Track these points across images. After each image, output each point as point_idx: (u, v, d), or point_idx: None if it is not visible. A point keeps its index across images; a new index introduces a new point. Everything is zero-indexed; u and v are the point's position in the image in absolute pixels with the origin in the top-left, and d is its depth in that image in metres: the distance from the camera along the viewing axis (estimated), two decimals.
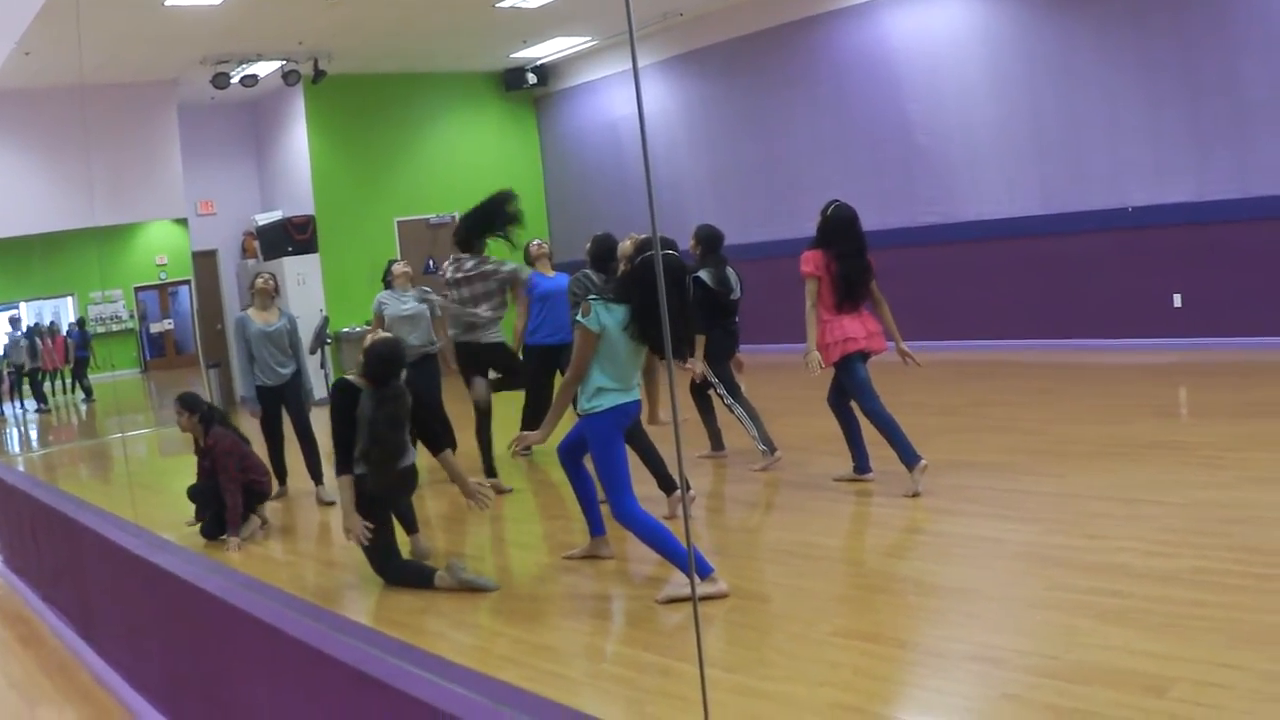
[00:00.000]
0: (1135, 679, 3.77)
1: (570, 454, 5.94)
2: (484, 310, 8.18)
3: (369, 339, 6.29)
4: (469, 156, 17.56)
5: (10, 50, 12.06)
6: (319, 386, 12.75)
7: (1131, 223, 11.41)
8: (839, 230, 6.84)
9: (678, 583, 5.38)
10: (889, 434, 6.72)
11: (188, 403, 7.60)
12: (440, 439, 6.43)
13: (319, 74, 15.10)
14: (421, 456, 6.40)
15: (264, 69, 14.82)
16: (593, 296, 5.46)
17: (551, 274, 8.80)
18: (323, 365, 14.53)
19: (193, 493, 7.69)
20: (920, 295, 12.51)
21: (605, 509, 5.70)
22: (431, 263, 16.15)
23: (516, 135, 18.31)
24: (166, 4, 11.32)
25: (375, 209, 16.80)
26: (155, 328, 16.61)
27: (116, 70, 13.81)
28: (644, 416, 5.99)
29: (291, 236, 15.88)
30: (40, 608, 7.12)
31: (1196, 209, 10.92)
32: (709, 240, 8.08)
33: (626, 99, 16.60)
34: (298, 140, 16.55)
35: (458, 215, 16.26)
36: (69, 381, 16.30)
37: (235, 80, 14.65)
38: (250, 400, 8.48)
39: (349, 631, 3.34)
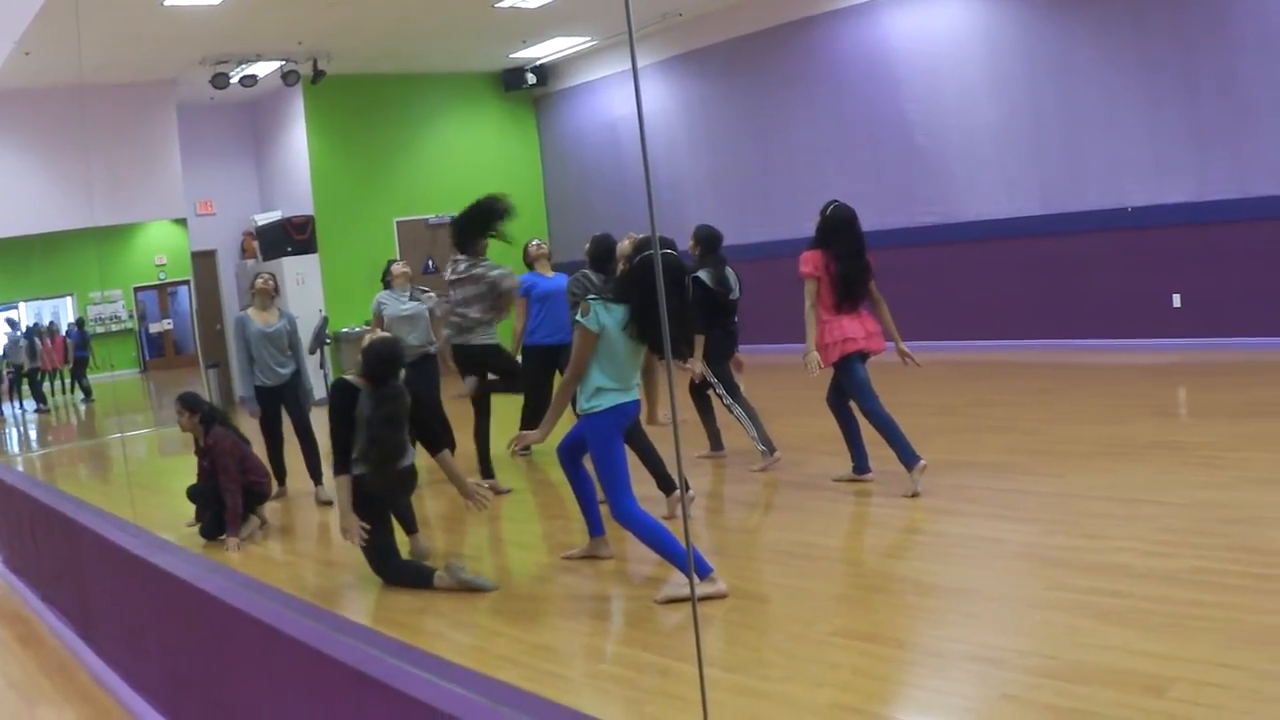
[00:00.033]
0: (1134, 679, 3.77)
1: (569, 454, 5.94)
2: (474, 312, 8.16)
3: (367, 339, 6.29)
4: (468, 157, 17.56)
5: (10, 50, 12.06)
6: (318, 386, 12.74)
7: (1131, 223, 11.41)
8: (838, 230, 6.84)
9: (677, 583, 5.38)
10: (888, 434, 6.72)
11: (188, 403, 7.60)
12: (439, 439, 6.42)
13: (318, 74, 15.11)
14: (420, 456, 6.39)
15: (263, 69, 14.82)
16: (592, 296, 5.46)
17: (550, 274, 8.80)
18: (322, 365, 14.51)
19: (192, 493, 7.69)
20: (919, 295, 12.52)
21: (604, 509, 5.70)
22: (430, 263, 16.16)
23: (516, 135, 18.31)
24: (166, 4, 11.32)
25: (374, 209, 16.80)
26: (154, 328, 16.61)
27: (116, 70, 13.82)
28: (643, 417, 5.99)
29: (291, 237, 15.88)
30: (39, 608, 7.12)
31: (1196, 209, 10.92)
32: (708, 240, 8.08)
33: (626, 99, 16.61)
34: (297, 140, 16.56)
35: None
36: (68, 381, 16.31)
37: (234, 80, 14.66)
38: (249, 400, 8.48)
39: (348, 631, 3.34)
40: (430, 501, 8.04)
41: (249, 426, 8.49)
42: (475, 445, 8.29)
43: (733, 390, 7.93)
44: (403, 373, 6.27)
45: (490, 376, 8.34)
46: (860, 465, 7.13)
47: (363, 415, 5.97)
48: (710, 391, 8.04)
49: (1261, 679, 3.68)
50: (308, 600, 4.92)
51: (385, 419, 5.94)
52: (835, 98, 13.95)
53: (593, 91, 17.25)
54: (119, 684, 5.40)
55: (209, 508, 7.52)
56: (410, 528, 6.57)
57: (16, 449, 15.04)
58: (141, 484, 10.71)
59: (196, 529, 7.62)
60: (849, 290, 6.82)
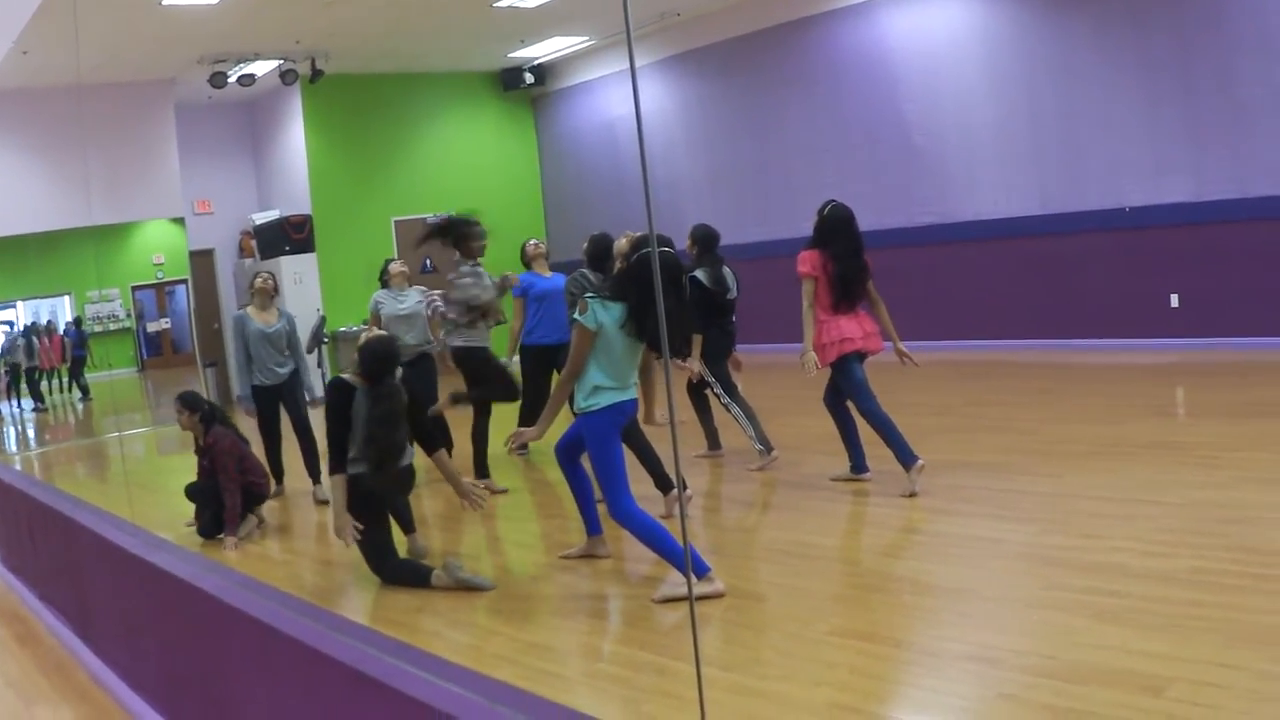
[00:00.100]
0: (1132, 679, 3.77)
1: (567, 453, 5.94)
2: (451, 313, 8.20)
3: (364, 337, 6.29)
4: (466, 156, 17.56)
5: (8, 49, 12.06)
6: (316, 385, 12.74)
7: (1129, 223, 11.42)
8: (836, 230, 6.84)
9: (674, 582, 5.38)
10: (885, 434, 6.72)
11: (188, 401, 7.60)
12: (435, 439, 6.42)
13: (316, 73, 15.10)
14: (418, 456, 6.39)
15: (261, 68, 14.81)
16: (589, 294, 5.46)
17: (548, 274, 8.80)
18: (320, 364, 14.50)
19: (191, 491, 7.68)
20: (917, 295, 12.52)
21: (602, 508, 5.70)
22: (429, 262, 16.15)
23: (514, 135, 18.30)
24: (164, 3, 11.31)
25: (372, 208, 16.80)
26: (152, 327, 16.61)
27: (114, 69, 13.81)
28: (640, 416, 5.99)
29: (289, 236, 15.88)
30: (37, 607, 7.12)
31: (1194, 209, 10.93)
32: (705, 240, 8.08)
33: (624, 99, 16.61)
34: (295, 140, 16.55)
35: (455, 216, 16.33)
36: (66, 380, 16.30)
37: (232, 80, 14.65)
38: (245, 399, 8.48)
39: (346, 630, 3.33)
40: (428, 501, 8.04)
41: (247, 426, 8.48)
42: (472, 445, 8.28)
43: (730, 390, 7.93)
44: (399, 371, 6.27)
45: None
46: (858, 465, 7.13)
47: (359, 414, 5.97)
48: (708, 391, 8.05)
49: (1260, 679, 3.68)
50: (305, 599, 4.92)
51: (382, 417, 5.94)
52: (833, 98, 13.95)
53: (591, 91, 17.25)
54: (117, 683, 5.40)
55: (208, 507, 7.51)
56: (408, 527, 6.57)
57: (14, 448, 15.04)
58: (139, 483, 10.71)
59: (195, 528, 7.62)
60: (846, 290, 6.82)
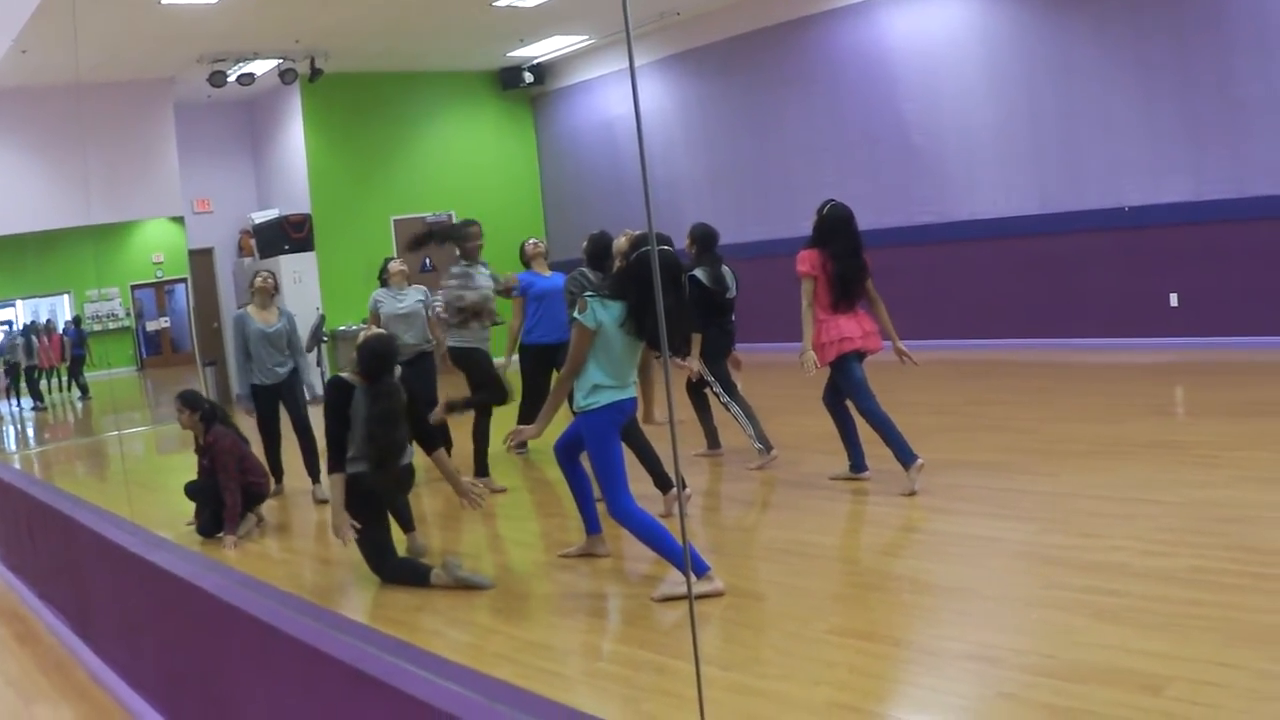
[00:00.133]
0: (1132, 678, 3.77)
1: (566, 452, 5.94)
2: (444, 314, 8.25)
3: (362, 336, 6.29)
4: (465, 155, 17.56)
5: (7, 48, 12.05)
6: (316, 384, 12.75)
7: (1128, 222, 11.42)
8: (835, 230, 6.85)
9: (674, 581, 5.38)
10: (885, 433, 6.72)
11: (189, 400, 7.60)
12: (434, 438, 6.42)
13: (315, 72, 15.10)
14: (417, 455, 6.39)
15: (260, 67, 14.81)
16: (589, 293, 5.46)
17: (548, 273, 8.79)
18: (319, 363, 14.52)
19: (191, 490, 7.68)
20: (916, 295, 12.52)
21: (601, 507, 5.70)
22: (428, 261, 16.14)
23: (513, 134, 18.30)
24: (163, 2, 11.30)
25: (372, 207, 16.79)
26: (151, 326, 16.60)
27: (113, 68, 13.80)
28: (640, 415, 5.99)
29: (288, 235, 15.88)
30: (36, 605, 7.12)
31: (1193, 208, 10.93)
32: (704, 239, 8.08)
33: (623, 98, 16.61)
34: (294, 139, 16.55)
35: (454, 214, 16.39)
36: (65, 379, 16.29)
37: (232, 79, 14.64)
38: (244, 398, 8.48)
39: (345, 629, 3.34)
40: (427, 499, 8.04)
41: (247, 425, 8.48)
42: (473, 444, 8.29)
43: (730, 389, 7.93)
44: (398, 370, 6.27)
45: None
46: (857, 464, 7.13)
47: (358, 412, 5.97)
48: (707, 390, 8.05)
49: (1259, 678, 3.68)
50: (305, 598, 4.92)
51: (380, 416, 5.94)
52: (832, 97, 13.95)
53: (590, 90, 17.25)
54: (116, 682, 5.40)
55: (207, 505, 7.52)
56: (407, 525, 6.57)
57: (14, 447, 15.03)
58: (138, 482, 10.71)
59: (195, 527, 7.62)
60: (846, 289, 6.82)
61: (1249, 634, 4.03)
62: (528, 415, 8.26)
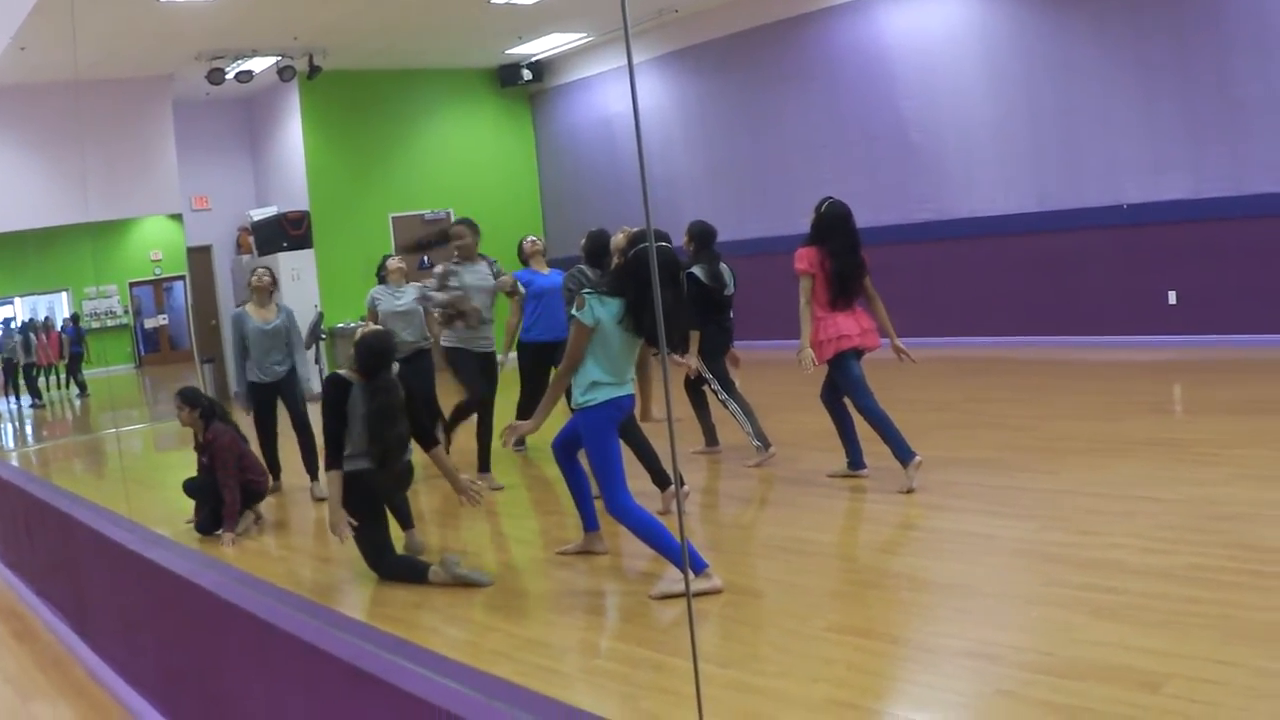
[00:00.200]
0: (1130, 675, 3.78)
1: (564, 449, 5.94)
2: (434, 312, 8.27)
3: (359, 333, 6.29)
4: (464, 153, 17.56)
5: (6, 45, 12.04)
6: (314, 381, 12.74)
7: (1127, 220, 11.42)
8: (833, 227, 6.84)
9: (672, 578, 5.39)
10: (883, 430, 6.72)
11: (188, 397, 7.59)
12: (432, 435, 6.42)
13: (314, 70, 15.08)
14: (416, 453, 6.39)
15: (259, 65, 14.79)
16: (587, 290, 5.46)
17: (546, 271, 8.79)
18: (317, 360, 14.52)
19: (189, 488, 7.68)
20: (914, 292, 12.52)
21: (599, 504, 5.69)
22: (426, 259, 16.14)
23: (512, 131, 18.29)
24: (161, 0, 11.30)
25: (370, 204, 16.78)
26: (150, 323, 16.59)
27: (112, 66, 13.79)
28: (638, 413, 5.99)
29: (286, 232, 15.88)
30: (34, 603, 7.12)
31: (1192, 206, 10.93)
32: (702, 236, 8.08)
33: (622, 95, 16.61)
34: (293, 136, 16.54)
35: (452, 212, 16.39)
36: (63, 377, 16.28)
37: (230, 76, 14.62)
38: (242, 396, 8.48)
39: (343, 626, 3.33)
40: (425, 497, 8.05)
41: (246, 423, 8.47)
42: (477, 441, 8.29)
43: (728, 386, 7.93)
44: (396, 367, 6.26)
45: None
46: (855, 461, 7.14)
47: (355, 409, 5.96)
48: (705, 387, 8.04)
49: (1257, 675, 3.68)
50: (303, 595, 4.92)
51: (379, 412, 5.94)
52: (830, 94, 13.95)
53: (588, 88, 17.24)
54: (114, 679, 5.41)
55: (206, 503, 7.51)
56: (406, 523, 6.57)
57: (12, 444, 15.03)
58: (136, 479, 10.70)
59: (194, 525, 7.61)
60: (844, 287, 6.82)
61: (1247, 631, 4.04)
62: (525, 412, 8.25)
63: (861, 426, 6.98)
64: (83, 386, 16.25)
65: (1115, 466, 6.68)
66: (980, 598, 4.82)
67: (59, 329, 15.92)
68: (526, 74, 17.40)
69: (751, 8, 14.54)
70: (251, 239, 16.43)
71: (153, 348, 16.68)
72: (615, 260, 7.02)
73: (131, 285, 16.26)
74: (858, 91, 13.64)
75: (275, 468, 8.66)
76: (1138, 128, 11.25)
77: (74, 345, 15.94)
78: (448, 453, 7.80)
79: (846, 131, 13.80)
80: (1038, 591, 4.76)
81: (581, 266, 7.84)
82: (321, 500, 8.16)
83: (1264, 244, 10.43)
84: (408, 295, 8.71)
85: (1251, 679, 3.67)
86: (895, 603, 4.99)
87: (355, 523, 5.91)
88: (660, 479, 6.75)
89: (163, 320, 16.65)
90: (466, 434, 8.41)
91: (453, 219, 8.51)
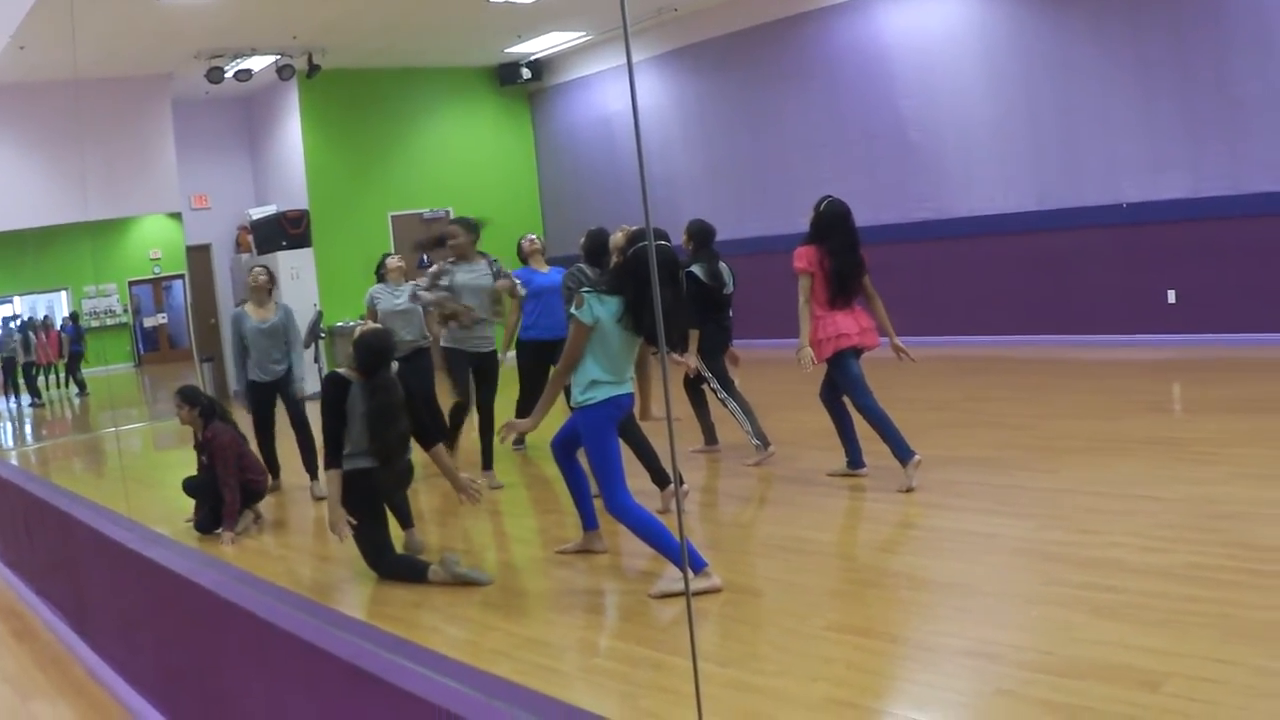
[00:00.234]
0: (1129, 674, 3.78)
1: (563, 448, 5.94)
2: (432, 311, 8.31)
3: (358, 331, 6.29)
4: (463, 151, 17.55)
5: (5, 44, 12.03)
6: (313, 381, 12.73)
7: (1126, 219, 11.42)
8: (832, 226, 6.84)
9: (671, 577, 5.39)
10: (882, 429, 6.73)
11: (188, 396, 7.59)
12: (432, 434, 6.42)
13: (313, 68, 15.07)
14: (415, 451, 6.39)
15: (258, 63, 14.78)
16: (586, 289, 5.46)
17: (545, 269, 8.79)
18: (316, 359, 14.50)
19: (188, 487, 7.68)
20: (914, 291, 12.52)
21: (599, 503, 5.70)
22: (425, 258, 16.14)
23: (511, 130, 18.28)
24: None
25: (369, 203, 16.77)
26: (149, 322, 16.58)
27: (111, 64, 13.78)
28: (637, 412, 5.99)
29: (285, 231, 15.87)
30: (34, 602, 7.12)
31: (1191, 205, 10.93)
32: (701, 235, 8.08)
33: (621, 94, 16.60)
34: (292, 134, 16.53)
35: (451, 210, 16.38)
36: (63, 375, 16.27)
37: (229, 75, 14.61)
38: (242, 395, 8.47)
39: (343, 625, 3.33)
40: (425, 496, 8.04)
41: (246, 422, 8.46)
42: (480, 439, 8.29)
43: (727, 385, 7.93)
44: (395, 365, 6.26)
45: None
46: (854, 460, 7.14)
47: (355, 408, 5.96)
48: (705, 386, 8.05)
49: (1256, 674, 3.69)
50: (303, 594, 4.92)
51: (379, 410, 5.94)
52: (830, 93, 13.94)
53: (588, 86, 17.23)
54: (114, 678, 5.41)
55: (206, 502, 7.51)
56: (405, 522, 6.57)
57: (11, 443, 15.02)
58: (135, 478, 10.70)
59: (193, 524, 7.61)
60: (843, 286, 6.82)
61: (1246, 630, 4.04)
62: (524, 411, 8.24)
63: (861, 425, 6.98)
64: (82, 385, 16.25)
65: (1114, 465, 6.68)
66: (979, 596, 4.82)
67: (58, 328, 15.92)
68: (526, 73, 17.39)
69: (751, 6, 14.54)
70: (251, 238, 16.42)
71: (152, 346, 16.67)
72: (614, 259, 7.03)
73: (131, 284, 16.25)
74: (857, 90, 13.64)
75: (274, 467, 8.66)
76: (1137, 127, 11.25)
77: (73, 344, 15.94)
78: (453, 454, 7.82)
79: (846, 130, 13.80)
80: (1037, 590, 4.77)
81: (581, 265, 7.84)
82: (321, 499, 8.16)
83: (1263, 243, 10.43)
84: (407, 294, 8.70)
85: (1251, 678, 3.67)
86: (895, 602, 5.00)
87: (355, 521, 5.91)
88: (659, 478, 6.75)
89: (162, 319, 16.64)
90: (468, 433, 8.40)
91: (451, 218, 8.47)
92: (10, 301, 15.81)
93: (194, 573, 4.21)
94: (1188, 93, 10.84)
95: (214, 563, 4.51)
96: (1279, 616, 4.15)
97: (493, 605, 5.46)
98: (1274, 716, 3.45)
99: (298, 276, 15.75)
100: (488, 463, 8.28)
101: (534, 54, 17.15)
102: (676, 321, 5.89)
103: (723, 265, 8.01)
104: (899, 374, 7.61)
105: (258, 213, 16.43)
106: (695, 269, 7.80)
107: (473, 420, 8.41)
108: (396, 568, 5.99)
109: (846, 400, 7.02)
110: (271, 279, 8.65)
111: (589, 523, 6.08)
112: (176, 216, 15.55)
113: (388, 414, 5.98)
